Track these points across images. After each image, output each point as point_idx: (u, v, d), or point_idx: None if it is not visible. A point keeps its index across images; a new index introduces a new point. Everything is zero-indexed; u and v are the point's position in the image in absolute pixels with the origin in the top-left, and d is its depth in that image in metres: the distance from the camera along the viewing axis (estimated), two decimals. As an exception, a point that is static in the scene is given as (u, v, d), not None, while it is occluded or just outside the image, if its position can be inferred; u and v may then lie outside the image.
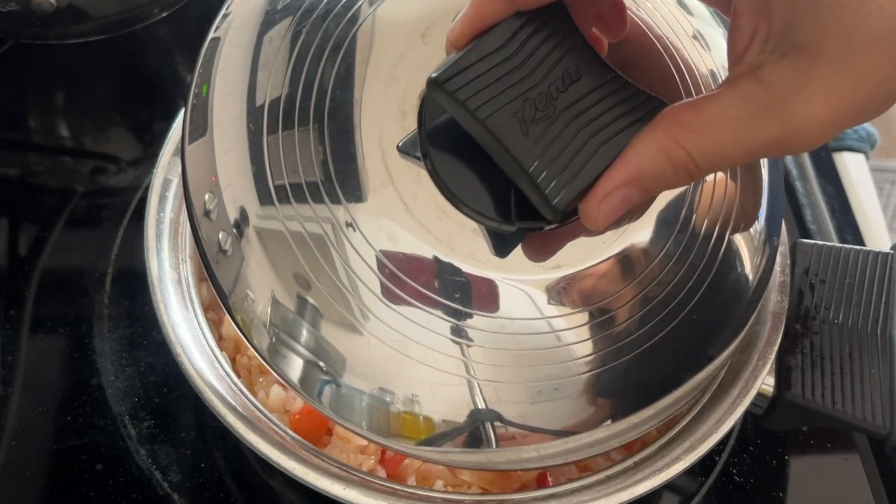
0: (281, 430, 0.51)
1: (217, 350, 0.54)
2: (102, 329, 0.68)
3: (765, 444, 0.67)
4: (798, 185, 0.83)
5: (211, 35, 0.45)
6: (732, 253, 0.43)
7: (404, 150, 0.40)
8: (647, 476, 0.50)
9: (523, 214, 0.39)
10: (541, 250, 0.42)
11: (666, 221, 0.42)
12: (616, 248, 0.41)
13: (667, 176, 0.36)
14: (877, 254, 0.60)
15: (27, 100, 0.84)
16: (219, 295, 0.40)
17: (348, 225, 0.38)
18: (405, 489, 0.50)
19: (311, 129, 0.41)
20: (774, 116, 0.34)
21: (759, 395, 0.54)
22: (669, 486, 0.63)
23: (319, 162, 0.40)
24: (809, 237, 0.79)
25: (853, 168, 0.87)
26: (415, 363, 0.38)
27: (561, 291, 0.40)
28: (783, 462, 0.67)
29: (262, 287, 0.39)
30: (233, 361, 0.58)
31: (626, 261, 0.41)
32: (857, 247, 0.60)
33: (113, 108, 0.84)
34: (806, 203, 0.82)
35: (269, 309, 0.39)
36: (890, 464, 0.67)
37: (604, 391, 0.40)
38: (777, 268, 0.58)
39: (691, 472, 0.55)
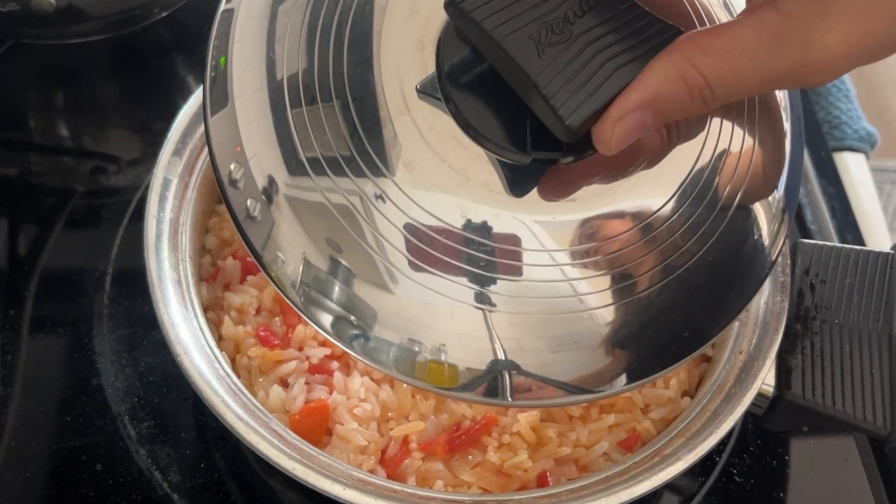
0: (281, 431, 0.51)
1: (217, 350, 0.55)
2: (102, 329, 0.68)
3: (765, 445, 0.67)
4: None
5: (223, 6, 0.45)
6: (751, 219, 0.44)
7: (423, 90, 0.41)
8: (647, 476, 0.50)
9: (538, 145, 0.39)
10: (556, 190, 0.41)
11: (688, 186, 0.42)
12: (632, 200, 0.42)
13: (682, 100, 0.36)
14: (877, 254, 0.60)
15: (27, 100, 0.84)
16: (253, 255, 0.41)
17: (377, 196, 0.40)
18: (405, 489, 0.50)
19: (334, 96, 0.41)
20: (791, 45, 0.34)
21: (760, 395, 0.54)
22: (670, 486, 0.63)
23: (346, 133, 0.41)
24: (810, 237, 0.79)
25: (853, 168, 0.87)
26: (442, 316, 0.39)
27: (583, 243, 0.41)
28: (783, 462, 0.67)
29: (293, 249, 0.40)
30: (233, 361, 0.58)
31: (646, 225, 0.41)
32: (858, 247, 0.60)
33: (113, 108, 0.84)
34: (806, 203, 0.81)
35: (300, 268, 0.40)
36: (890, 464, 0.67)
37: (623, 345, 0.41)
38: (777, 268, 0.58)
39: (691, 472, 0.55)
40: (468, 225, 0.40)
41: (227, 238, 0.62)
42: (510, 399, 0.40)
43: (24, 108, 0.83)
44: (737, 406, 0.53)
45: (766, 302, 0.57)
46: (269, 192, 0.41)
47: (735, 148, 0.44)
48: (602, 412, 0.57)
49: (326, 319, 0.41)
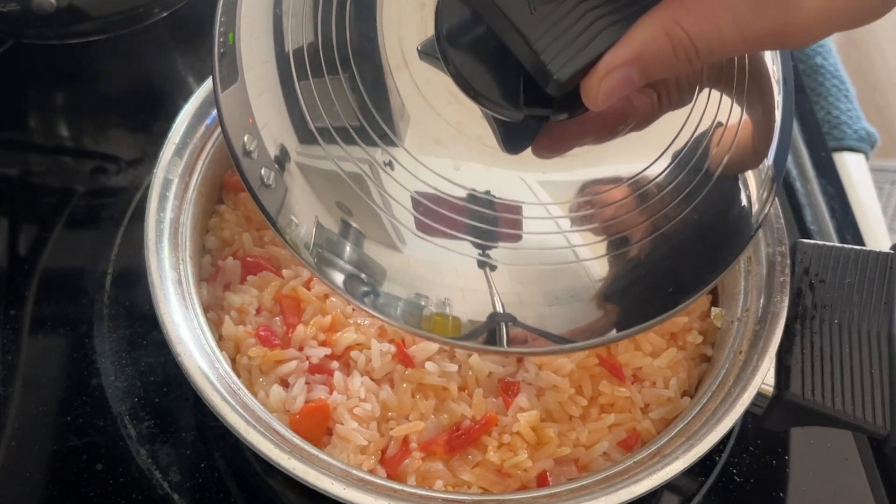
0: (281, 430, 0.51)
1: (217, 350, 0.55)
2: (102, 329, 0.68)
3: (765, 444, 0.67)
4: (798, 185, 0.83)
5: None
6: (739, 184, 0.45)
7: (424, 51, 0.43)
8: (647, 476, 0.50)
9: (530, 102, 0.41)
10: (550, 147, 0.43)
11: (678, 150, 0.44)
12: (625, 161, 0.43)
13: (667, 58, 0.37)
14: (877, 254, 0.60)
15: (27, 100, 0.84)
16: (268, 220, 0.43)
17: (385, 162, 0.42)
18: (405, 489, 0.50)
19: (339, 67, 0.43)
20: (773, 6, 0.35)
21: (759, 394, 0.54)
22: (669, 485, 0.63)
23: (353, 100, 0.42)
24: (809, 237, 0.79)
25: (853, 168, 0.87)
26: (446, 273, 0.42)
27: (578, 200, 0.43)
28: (783, 462, 0.67)
29: (305, 213, 0.42)
30: (233, 361, 0.58)
31: (637, 185, 0.43)
32: (857, 247, 0.60)
33: (113, 108, 0.84)
34: (806, 203, 0.82)
35: (313, 231, 0.42)
36: (890, 464, 0.67)
37: (612, 298, 0.43)
38: (777, 267, 0.58)
39: (691, 471, 0.55)
40: (470, 184, 0.42)
41: (228, 238, 0.62)
42: (506, 347, 0.42)
43: (24, 107, 0.83)
44: (736, 406, 0.53)
45: (766, 302, 0.57)
46: (281, 160, 0.43)
47: (726, 116, 0.45)
48: (602, 412, 0.57)
49: (338, 278, 0.42)
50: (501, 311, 0.42)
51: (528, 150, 0.43)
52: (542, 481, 0.55)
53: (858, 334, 0.57)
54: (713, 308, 0.62)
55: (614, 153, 0.44)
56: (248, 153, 0.43)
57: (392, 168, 0.42)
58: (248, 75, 0.44)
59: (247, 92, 0.43)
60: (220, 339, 0.58)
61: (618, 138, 0.44)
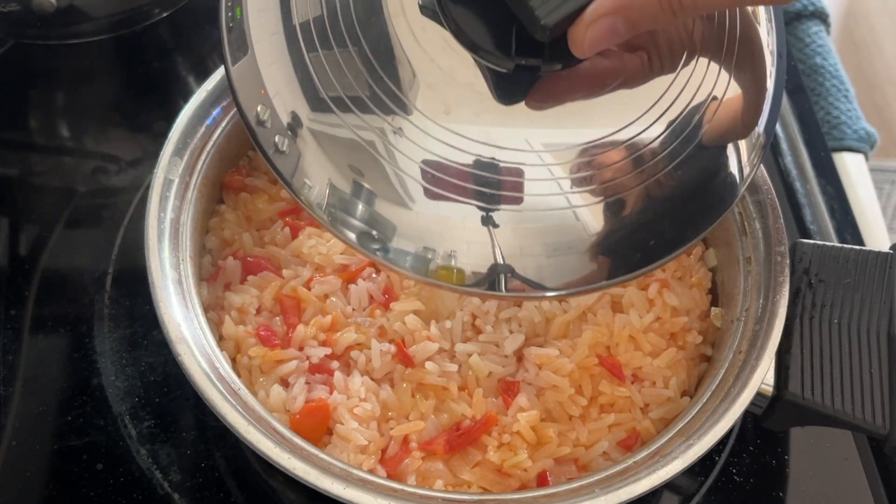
0: (281, 430, 0.51)
1: (217, 350, 0.55)
2: (103, 329, 0.68)
3: (764, 444, 0.67)
4: (798, 185, 0.83)
5: None
6: (729, 152, 0.48)
7: (424, 5, 0.45)
8: (647, 475, 0.50)
9: (522, 52, 0.43)
10: (542, 100, 0.44)
11: (670, 112, 0.46)
12: (618, 121, 0.45)
13: (652, 9, 0.39)
14: (876, 254, 0.60)
15: (28, 100, 0.84)
16: (284, 183, 0.45)
17: (395, 126, 0.44)
18: (405, 488, 0.50)
19: (346, 35, 0.44)
20: None
21: (759, 394, 0.54)
22: (669, 485, 0.63)
23: (361, 65, 0.44)
24: (809, 237, 0.79)
25: (853, 168, 0.87)
26: (452, 227, 0.44)
27: (577, 159, 0.45)
28: (783, 462, 0.67)
29: (319, 176, 0.45)
30: (233, 361, 0.58)
31: (630, 145, 0.45)
32: (857, 247, 0.60)
33: (113, 108, 0.84)
34: (805, 203, 0.82)
35: (326, 192, 0.45)
36: (889, 464, 0.67)
37: (602, 249, 0.46)
38: (776, 267, 0.58)
39: (691, 471, 0.55)
40: (476, 147, 0.44)
41: (228, 238, 0.62)
42: (505, 293, 0.45)
43: (24, 108, 0.83)
44: (736, 405, 0.53)
45: (766, 302, 0.57)
46: (294, 127, 0.45)
47: (722, 87, 0.47)
48: (602, 412, 0.58)
49: (352, 235, 0.45)
50: (502, 263, 0.44)
51: (533, 115, 0.45)
52: (541, 481, 0.55)
53: (858, 334, 0.57)
54: (713, 308, 0.62)
55: (612, 117, 0.45)
56: (261, 122, 0.45)
57: (402, 132, 0.44)
58: (257, 47, 0.45)
59: (257, 63, 0.45)
60: (220, 338, 0.58)
61: (617, 106, 0.45)
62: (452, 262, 0.45)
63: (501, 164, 0.44)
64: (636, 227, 0.46)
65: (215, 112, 0.61)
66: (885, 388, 0.54)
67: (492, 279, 0.45)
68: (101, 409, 0.65)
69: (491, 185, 0.44)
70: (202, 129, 0.61)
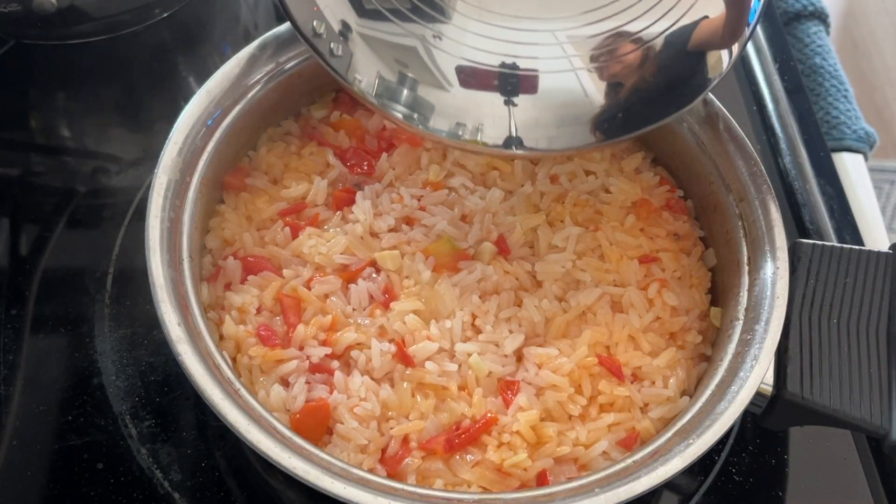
0: (281, 430, 0.51)
1: (218, 349, 0.55)
2: (103, 328, 0.68)
3: (764, 444, 0.67)
4: (797, 185, 0.83)
5: None
6: (717, 48, 0.57)
7: None
8: (647, 474, 0.50)
9: None
10: None
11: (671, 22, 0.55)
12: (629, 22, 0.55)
13: None
14: (875, 253, 0.60)
15: (28, 100, 0.84)
16: (338, 78, 0.56)
17: (434, 36, 0.54)
18: (405, 488, 0.51)
19: None
20: None
21: (758, 394, 0.54)
22: (669, 485, 0.63)
23: None
24: (808, 237, 0.79)
25: (852, 168, 0.87)
26: (481, 104, 0.55)
27: (592, 44, 0.55)
28: (782, 461, 0.67)
29: (369, 70, 0.56)
30: (233, 361, 0.58)
31: (638, 42, 0.55)
32: (856, 247, 0.60)
33: (114, 109, 0.84)
34: (805, 203, 0.82)
35: (375, 82, 0.56)
36: (888, 462, 0.67)
37: (600, 118, 0.56)
38: (776, 267, 0.58)
39: (691, 471, 0.55)
40: (503, 40, 0.54)
41: (228, 238, 0.63)
42: (515, 150, 0.56)
43: (25, 108, 0.83)
44: (735, 405, 0.53)
45: (765, 301, 0.58)
46: (345, 32, 0.55)
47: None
48: (601, 411, 0.58)
49: (398, 114, 0.56)
50: (516, 134, 0.56)
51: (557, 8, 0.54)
52: (541, 480, 0.55)
53: (857, 334, 0.57)
54: (712, 308, 0.63)
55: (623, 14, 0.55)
56: (317, 35, 0.55)
57: (442, 34, 0.54)
58: None
59: None
60: (220, 338, 0.58)
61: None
62: (479, 137, 0.56)
63: (523, 60, 0.54)
64: (630, 104, 0.56)
65: (215, 112, 0.62)
66: (883, 387, 0.55)
67: (509, 143, 0.55)
68: (101, 409, 0.65)
69: (513, 78, 0.54)
70: (202, 129, 0.61)
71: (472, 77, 0.55)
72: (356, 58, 0.55)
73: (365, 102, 0.56)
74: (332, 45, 0.55)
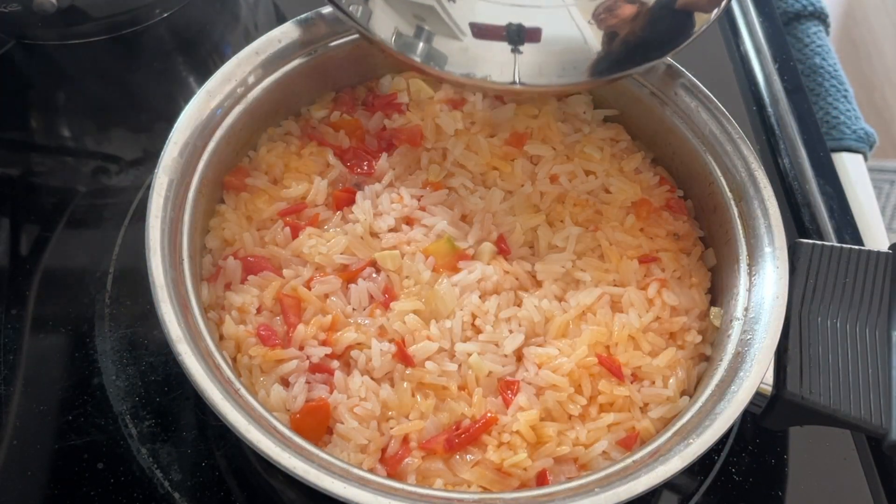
0: (281, 429, 0.51)
1: (218, 349, 0.55)
2: (103, 328, 0.69)
3: (764, 444, 0.67)
4: (797, 185, 0.83)
5: None
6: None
7: None
8: (647, 474, 0.50)
9: None
10: None
11: None
12: None
13: None
14: (875, 253, 0.60)
15: (28, 100, 0.84)
16: (361, 32, 0.62)
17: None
18: (405, 487, 0.51)
19: None
20: None
21: (758, 394, 0.54)
22: (669, 484, 0.63)
23: None
24: (808, 237, 0.79)
25: (852, 168, 0.87)
26: (491, 50, 0.61)
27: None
28: (782, 461, 0.67)
29: (386, 27, 0.61)
30: (234, 361, 0.58)
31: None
32: (856, 247, 0.60)
33: (114, 109, 0.84)
34: (805, 203, 0.82)
35: (392, 38, 0.61)
36: (888, 462, 0.67)
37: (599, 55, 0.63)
38: (776, 267, 0.59)
39: (690, 470, 0.55)
40: (511, 4, 0.59)
41: (229, 238, 0.63)
42: (518, 86, 0.62)
43: (25, 108, 0.83)
44: (735, 405, 0.53)
45: (765, 301, 0.58)
46: None
47: None
48: (601, 411, 0.58)
49: (417, 59, 0.61)
50: (519, 79, 0.61)
51: None
52: (541, 480, 0.55)
53: (857, 334, 0.57)
54: (712, 308, 0.63)
55: None
56: None
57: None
58: None
59: None
60: (220, 338, 0.58)
61: None
62: (488, 82, 0.62)
63: (530, 15, 0.60)
64: (623, 50, 0.62)
65: (215, 112, 0.62)
66: (883, 387, 0.55)
67: (513, 84, 0.62)
68: (101, 409, 0.65)
69: (519, 30, 0.60)
70: (202, 130, 0.61)
71: (483, 29, 0.61)
72: (375, 14, 0.61)
73: (385, 50, 0.62)
74: (352, 8, 0.61)
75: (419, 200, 0.64)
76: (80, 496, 0.61)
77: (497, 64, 0.62)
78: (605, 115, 0.71)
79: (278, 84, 0.65)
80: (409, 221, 0.63)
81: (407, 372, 0.57)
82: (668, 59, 0.65)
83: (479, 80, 0.62)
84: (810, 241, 0.61)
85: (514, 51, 0.61)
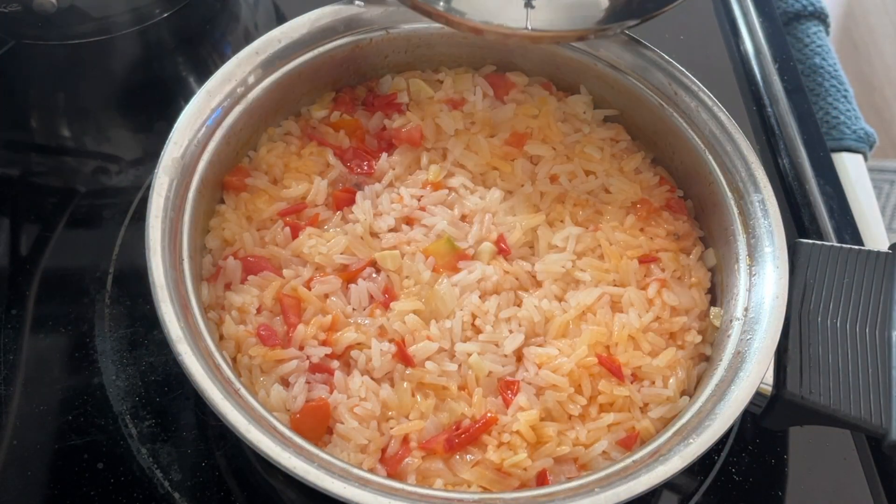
0: (281, 429, 0.51)
1: (218, 349, 0.55)
2: (103, 328, 0.69)
3: (763, 444, 0.67)
4: (796, 185, 0.83)
5: None
6: None
7: None
8: (647, 474, 0.50)
9: None
10: None
11: None
12: None
13: None
14: (875, 253, 0.60)
15: (29, 100, 0.84)
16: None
17: None
18: (405, 487, 0.51)
19: None
20: None
21: (758, 394, 0.54)
22: (669, 484, 0.63)
23: None
24: (808, 237, 0.79)
25: (852, 168, 0.87)
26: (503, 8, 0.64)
27: None
28: (782, 461, 0.67)
29: None
30: (234, 361, 0.58)
31: None
32: (856, 247, 0.60)
33: (114, 109, 0.84)
34: (804, 203, 0.82)
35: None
36: (889, 463, 0.67)
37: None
38: (776, 267, 0.59)
39: (690, 470, 0.55)
40: None
41: (229, 238, 0.63)
42: (530, 29, 0.65)
43: (26, 108, 0.83)
44: (735, 405, 0.53)
45: (765, 301, 0.58)
46: None
47: None
48: (601, 411, 0.58)
49: (438, 8, 0.65)
50: (530, 29, 0.65)
51: None
52: (541, 480, 0.55)
53: (856, 334, 0.57)
54: (712, 308, 0.63)
55: None
56: None
57: None
58: None
59: None
60: (220, 338, 0.58)
61: None
62: (499, 28, 0.64)
63: None
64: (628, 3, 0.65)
65: (215, 112, 0.62)
66: (882, 387, 0.55)
67: (525, 27, 0.64)
68: (101, 409, 0.65)
69: None
70: (202, 130, 0.61)
71: None
72: None
73: (405, 4, 0.65)
74: None
75: (419, 200, 0.64)
76: (80, 496, 0.61)
77: (511, 17, 0.65)
78: (605, 115, 0.71)
79: (278, 84, 0.65)
80: (409, 221, 0.63)
81: (407, 372, 0.57)
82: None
83: (496, 26, 0.65)
84: (810, 241, 0.61)
85: (527, 5, 0.65)
